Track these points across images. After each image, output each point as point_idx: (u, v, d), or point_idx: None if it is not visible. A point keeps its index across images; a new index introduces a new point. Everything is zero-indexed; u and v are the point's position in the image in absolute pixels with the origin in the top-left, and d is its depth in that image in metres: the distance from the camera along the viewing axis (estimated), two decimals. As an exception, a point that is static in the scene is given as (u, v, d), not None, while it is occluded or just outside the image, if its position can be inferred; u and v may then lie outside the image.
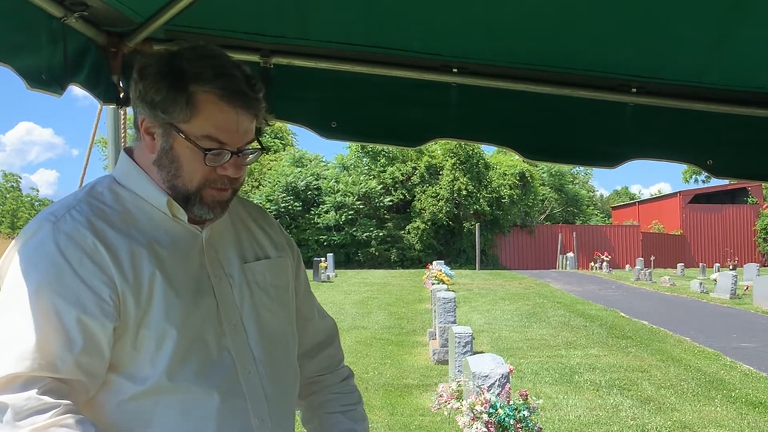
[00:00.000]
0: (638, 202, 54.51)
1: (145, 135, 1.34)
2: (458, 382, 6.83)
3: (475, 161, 39.77)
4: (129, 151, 1.41)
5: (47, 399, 1.18)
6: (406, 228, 39.71)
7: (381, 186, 39.92)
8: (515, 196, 40.43)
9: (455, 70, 2.23)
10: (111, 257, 1.27)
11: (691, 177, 56.62)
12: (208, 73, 1.28)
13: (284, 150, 45.13)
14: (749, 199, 45.96)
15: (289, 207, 39.20)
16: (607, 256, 37.29)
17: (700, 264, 34.95)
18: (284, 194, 39.41)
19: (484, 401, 5.54)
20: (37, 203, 60.23)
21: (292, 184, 39.81)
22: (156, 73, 1.30)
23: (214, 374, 1.33)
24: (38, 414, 1.16)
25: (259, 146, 1.37)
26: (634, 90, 2.27)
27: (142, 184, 1.36)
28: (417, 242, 39.26)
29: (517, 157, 3.76)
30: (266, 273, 1.46)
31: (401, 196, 40.19)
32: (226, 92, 1.28)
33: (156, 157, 1.33)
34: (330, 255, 30.86)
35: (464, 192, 39.04)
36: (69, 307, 1.23)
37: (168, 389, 1.29)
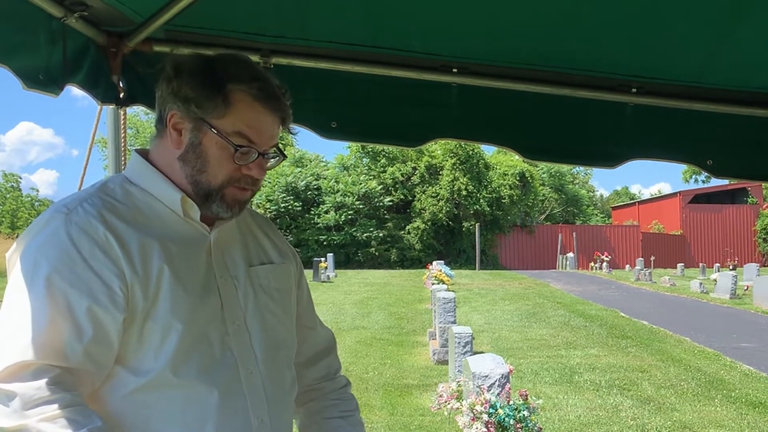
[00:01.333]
0: (638, 202, 54.48)
1: (172, 131, 1.37)
2: (458, 382, 6.83)
3: (475, 161, 39.77)
4: (141, 153, 1.44)
5: (56, 389, 1.19)
6: (406, 228, 39.71)
7: (381, 186, 39.92)
8: (515, 196, 40.43)
9: (455, 70, 2.23)
10: (121, 249, 1.29)
11: (691, 177, 56.62)
12: (244, 75, 1.35)
13: (284, 150, 45.03)
14: (749, 199, 45.96)
15: (289, 207, 39.19)
16: (607, 257, 37.29)
17: (700, 264, 34.95)
18: (284, 194, 39.40)
19: (484, 401, 5.54)
20: (37, 203, 60.24)
21: (292, 184, 39.81)
22: (192, 70, 1.35)
23: (216, 372, 1.34)
24: (47, 404, 1.17)
25: (280, 152, 1.42)
26: (634, 90, 2.26)
27: (155, 182, 1.39)
28: (417, 242, 39.26)
29: (517, 157, 3.76)
30: (270, 277, 1.49)
31: (401, 196, 40.20)
32: (261, 94, 1.34)
33: (182, 153, 1.36)
34: (330, 255, 30.86)
35: (464, 192, 39.04)
36: (80, 297, 1.24)
37: (170, 384, 1.30)
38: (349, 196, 39.34)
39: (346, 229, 39.08)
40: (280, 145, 1.44)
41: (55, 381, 1.20)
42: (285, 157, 1.45)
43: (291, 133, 1.51)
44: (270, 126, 1.37)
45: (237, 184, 1.37)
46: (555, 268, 39.11)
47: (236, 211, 1.40)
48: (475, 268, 36.46)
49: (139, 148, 1.48)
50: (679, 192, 47.05)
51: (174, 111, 1.36)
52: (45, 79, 1.79)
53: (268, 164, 1.40)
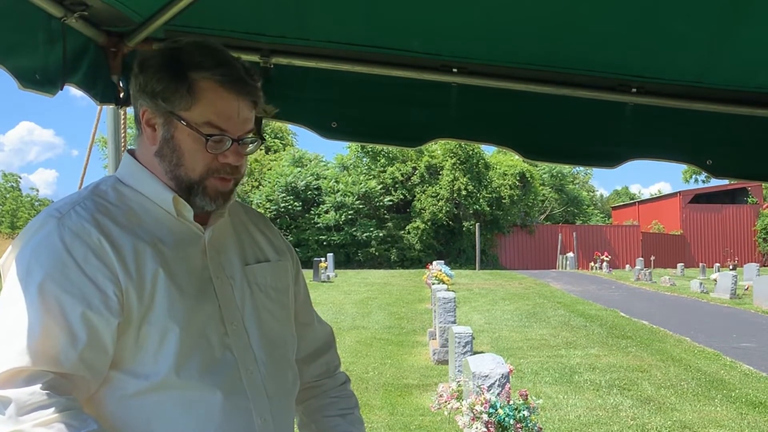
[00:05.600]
0: (638, 202, 54.47)
1: (146, 127, 1.36)
2: (458, 382, 6.83)
3: (475, 161, 39.77)
4: (131, 153, 1.43)
5: (51, 394, 1.18)
6: (406, 228, 39.70)
7: (381, 186, 39.92)
8: (515, 196, 40.42)
9: (455, 70, 2.23)
10: (115, 253, 1.28)
11: (691, 177, 56.58)
12: (208, 62, 1.32)
13: (284, 150, 45.12)
14: (749, 199, 45.94)
15: (289, 207, 39.18)
16: (607, 256, 37.27)
17: (700, 264, 34.94)
18: (284, 194, 39.39)
19: (484, 401, 5.53)
20: (37, 203, 60.26)
21: (292, 184, 39.80)
22: (156, 64, 1.33)
23: (217, 372, 1.33)
24: (41, 409, 1.17)
25: (258, 136, 1.39)
26: (634, 90, 2.26)
27: (146, 182, 1.38)
28: (417, 242, 39.25)
29: (517, 157, 3.76)
30: (267, 276, 1.48)
31: (401, 196, 40.19)
32: (226, 79, 1.31)
33: (157, 148, 1.35)
34: (330, 255, 30.85)
35: (464, 192, 39.04)
36: (74, 303, 1.23)
37: (171, 386, 1.29)
38: (349, 196, 39.33)
39: (346, 229, 39.06)
40: (265, 131, 1.41)
41: (50, 386, 1.19)
42: (263, 140, 1.41)
43: (266, 114, 1.47)
44: (240, 111, 1.33)
45: (217, 174, 1.35)
46: (555, 268, 39.09)
47: (220, 202, 1.38)
48: (475, 268, 36.45)
49: (130, 148, 1.47)
50: (679, 192, 47.03)
51: (145, 107, 1.35)
52: (42, 78, 1.78)
53: (247, 150, 1.37)
